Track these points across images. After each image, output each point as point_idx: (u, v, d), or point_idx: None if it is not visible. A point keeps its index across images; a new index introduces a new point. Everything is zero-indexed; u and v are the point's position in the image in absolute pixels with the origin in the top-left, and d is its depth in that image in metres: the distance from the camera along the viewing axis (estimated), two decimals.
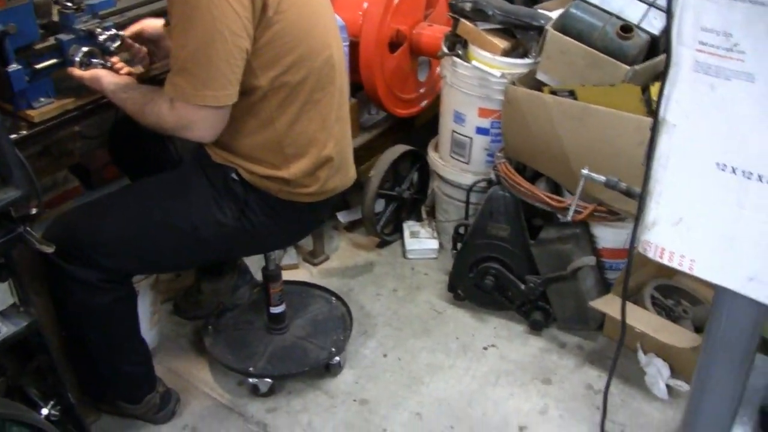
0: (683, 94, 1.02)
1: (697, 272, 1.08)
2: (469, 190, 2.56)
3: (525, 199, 2.30)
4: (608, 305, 2.23)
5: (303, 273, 2.74)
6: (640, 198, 1.10)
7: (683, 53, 1.02)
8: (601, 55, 2.19)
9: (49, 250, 1.59)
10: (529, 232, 2.39)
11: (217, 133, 1.72)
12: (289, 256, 2.79)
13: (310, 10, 1.76)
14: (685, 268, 1.09)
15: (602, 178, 1.91)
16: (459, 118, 2.60)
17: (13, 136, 1.78)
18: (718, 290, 1.11)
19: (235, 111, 1.70)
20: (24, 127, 1.83)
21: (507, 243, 2.38)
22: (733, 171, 1.01)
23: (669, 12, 1.03)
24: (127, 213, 1.85)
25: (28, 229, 1.56)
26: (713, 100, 1.00)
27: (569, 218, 2.15)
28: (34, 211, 1.57)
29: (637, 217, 1.11)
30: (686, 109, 1.02)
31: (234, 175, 1.82)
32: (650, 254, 1.11)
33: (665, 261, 1.11)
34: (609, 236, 2.32)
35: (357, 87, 2.76)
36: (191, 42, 1.59)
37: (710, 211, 1.04)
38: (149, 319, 2.29)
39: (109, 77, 1.81)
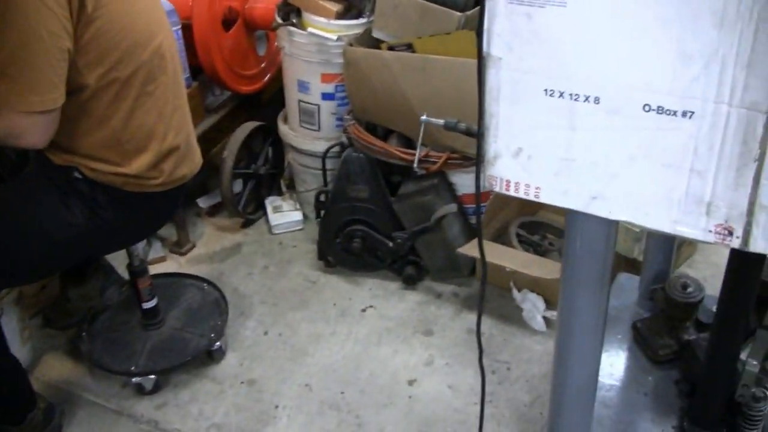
0: (503, 27, 1.04)
1: (543, 198, 1.11)
2: (324, 156, 2.56)
3: (379, 157, 2.32)
4: (476, 249, 2.28)
5: (171, 264, 2.68)
6: (478, 135, 1.12)
7: None
8: (432, 5, 2.23)
9: None
10: (390, 190, 2.41)
11: (50, 138, 1.62)
12: (155, 249, 2.72)
13: (132, 1, 1.69)
14: (531, 197, 1.12)
15: (440, 121, 1.95)
16: (303, 86, 2.58)
17: None
18: (567, 214, 1.16)
19: (66, 111, 1.62)
20: None
21: (368, 203, 2.39)
22: (561, 95, 1.04)
23: None
24: None
25: None
26: (532, 29, 1.02)
27: (416, 168, 2.18)
28: None
29: (478, 154, 1.13)
30: (508, 41, 1.04)
31: (77, 174, 1.74)
32: (497, 188, 1.14)
33: (512, 192, 1.14)
34: (467, 182, 2.38)
35: (196, 70, 2.69)
36: (7, 45, 1.49)
37: (546, 137, 1.08)
38: (19, 336, 2.18)
39: None
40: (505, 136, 1.12)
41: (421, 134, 2.04)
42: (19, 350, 2.10)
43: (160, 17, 1.82)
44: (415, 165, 2.18)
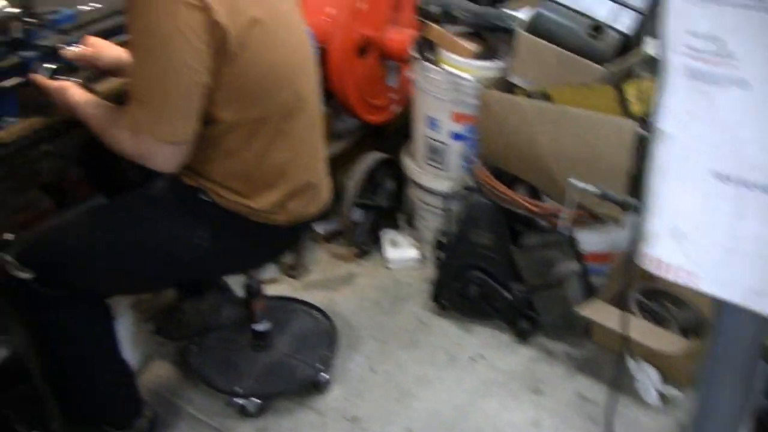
0: (678, 103, 0.98)
1: (701, 287, 1.04)
2: (448, 197, 2.52)
3: (505, 205, 2.27)
4: (595, 311, 2.20)
5: (283, 287, 2.69)
6: (636, 210, 1.06)
7: (674, 60, 0.98)
8: (573, 55, 2.17)
9: (27, 276, 1.53)
10: (511, 238, 2.36)
11: (179, 166, 1.64)
12: (269, 269, 2.74)
13: (281, 41, 1.67)
14: (686, 282, 1.05)
15: (595, 189, 1.88)
16: (433, 123, 2.56)
17: None
18: (720, 303, 1.08)
19: (201, 140, 1.63)
20: None
21: (490, 251, 2.34)
22: (732, 181, 0.98)
23: (653, 15, 0.99)
24: (99, 233, 1.77)
25: (4, 256, 1.51)
26: (709, 108, 0.96)
27: (560, 229, 2.11)
28: (9, 237, 1.51)
29: (635, 230, 1.07)
30: (681, 118, 0.99)
31: (204, 197, 1.75)
32: (650, 268, 1.08)
33: (665, 274, 1.07)
34: (592, 240, 2.29)
35: (328, 95, 2.71)
36: (147, 74, 1.52)
37: (710, 222, 1.01)
38: (132, 341, 2.23)
39: (76, 90, 1.73)
40: (666, 215, 1.05)
41: (570, 198, 1.97)
42: (130, 354, 2.13)
43: (306, 57, 1.81)
44: (561, 226, 2.11)
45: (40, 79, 1.76)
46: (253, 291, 2.14)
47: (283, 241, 1.96)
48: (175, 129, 1.55)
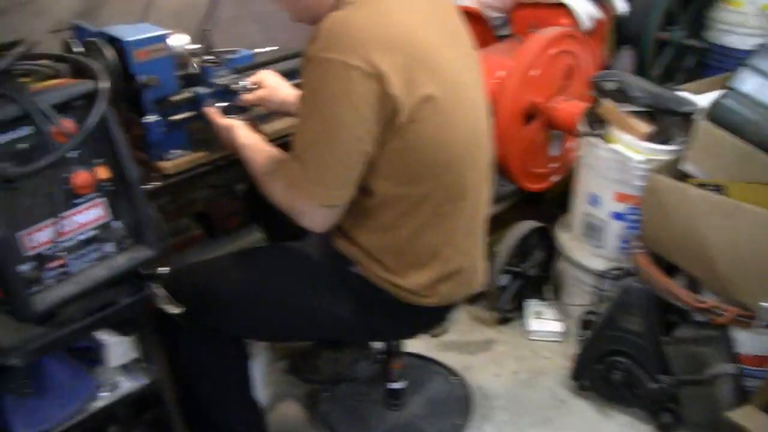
0: None
1: None
2: (602, 276, 2.46)
3: (662, 294, 2.19)
4: (747, 418, 2.06)
5: (419, 343, 2.67)
6: None
7: None
8: (757, 151, 2.07)
9: (177, 311, 1.60)
10: (663, 328, 2.26)
11: (327, 228, 1.63)
12: None
13: (456, 120, 1.60)
14: None
15: None
16: (594, 200, 2.51)
17: (146, 186, 1.81)
18: None
19: (355, 207, 1.62)
20: (157, 179, 1.87)
21: (639, 338, 2.25)
22: None
23: None
24: (247, 280, 1.80)
25: (155, 287, 1.57)
26: None
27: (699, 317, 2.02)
28: (165, 269, 1.58)
29: None
30: None
31: (354, 269, 1.74)
32: None
33: None
34: (750, 342, 2.17)
35: None
36: (310, 133, 1.51)
37: None
38: (263, 378, 2.28)
39: (242, 130, 1.79)
40: None
41: (758, 316, 1.90)
42: (260, 392, 2.17)
43: (479, 140, 1.72)
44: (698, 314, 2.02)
45: (212, 114, 1.85)
46: (393, 350, 2.15)
47: (427, 321, 1.92)
48: (330, 193, 1.54)
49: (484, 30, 3.10)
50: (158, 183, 1.85)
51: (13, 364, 1.37)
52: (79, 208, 1.43)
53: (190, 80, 1.99)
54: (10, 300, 1.35)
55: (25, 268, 1.35)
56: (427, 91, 1.51)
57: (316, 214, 1.59)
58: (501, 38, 3.14)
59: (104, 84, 1.40)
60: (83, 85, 1.41)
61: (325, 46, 1.45)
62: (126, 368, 1.68)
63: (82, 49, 1.82)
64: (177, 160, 1.89)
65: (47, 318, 1.43)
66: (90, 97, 1.40)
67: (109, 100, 1.42)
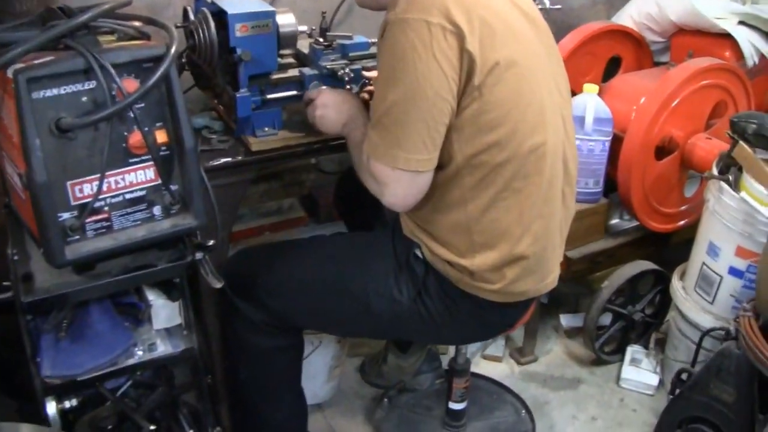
0: None
1: None
2: (705, 334, 2.24)
3: (761, 367, 1.96)
4: None
5: (504, 368, 2.58)
6: None
7: None
8: None
9: (217, 285, 1.58)
10: (759, 404, 2.03)
11: (410, 204, 1.60)
12: (496, 345, 2.65)
13: (531, 86, 1.56)
14: None
15: None
16: (713, 250, 2.29)
17: (227, 159, 1.84)
18: None
19: (429, 188, 1.59)
20: (241, 152, 1.88)
21: (729, 410, 2.04)
22: None
23: None
24: (307, 264, 1.80)
25: (204, 258, 1.57)
26: None
27: None
28: (211, 242, 1.58)
29: None
30: None
31: (417, 252, 1.70)
32: None
33: None
34: None
35: (612, 185, 2.55)
36: (390, 96, 1.49)
37: None
38: (328, 372, 2.26)
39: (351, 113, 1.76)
40: None
41: None
42: (322, 386, 2.15)
43: (560, 113, 1.67)
44: None
45: (316, 95, 1.82)
46: (457, 368, 2.06)
47: (490, 320, 1.81)
48: (409, 155, 1.51)
49: (641, 53, 2.94)
50: (240, 157, 1.85)
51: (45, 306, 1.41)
52: (132, 167, 1.44)
53: (297, 60, 2.00)
54: (44, 244, 1.38)
55: (66, 215, 1.38)
56: (502, 54, 1.50)
57: (399, 184, 1.55)
58: (658, 65, 2.96)
59: (172, 48, 1.41)
60: (154, 49, 1.41)
61: (405, 8, 1.47)
62: (169, 332, 1.69)
63: (192, 18, 1.87)
64: (265, 138, 1.89)
65: (84, 268, 1.46)
66: (159, 60, 1.41)
67: (179, 65, 1.43)
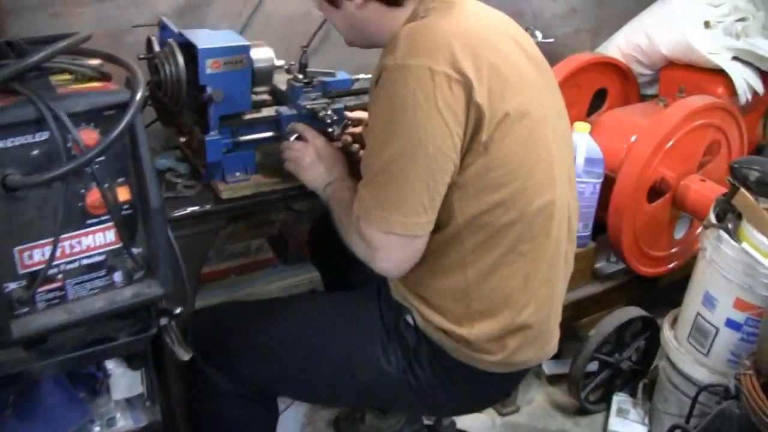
0: None
1: None
2: (701, 390, 2.12)
3: (762, 428, 1.84)
4: None
5: (484, 419, 2.43)
6: None
7: None
8: None
9: (185, 357, 1.42)
10: None
11: (404, 270, 1.43)
12: None
13: (541, 138, 1.43)
14: None
15: None
16: (709, 301, 2.17)
17: (194, 208, 1.67)
18: None
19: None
20: (210, 200, 1.70)
21: None
22: None
23: None
24: (284, 326, 1.64)
25: (170, 324, 1.40)
26: None
27: None
28: (178, 310, 1.42)
29: None
30: None
31: (408, 318, 1.54)
32: None
33: None
34: None
35: (600, 227, 2.43)
36: (386, 151, 1.33)
37: None
38: (301, 428, 2.11)
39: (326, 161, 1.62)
40: None
41: None
42: None
43: (567, 167, 1.54)
44: None
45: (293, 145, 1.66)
46: (441, 428, 1.91)
47: (486, 390, 1.67)
48: (407, 219, 1.34)
49: (627, 86, 2.84)
50: (208, 206, 1.68)
51: None
52: (90, 229, 1.27)
53: (275, 98, 1.83)
54: None
55: (13, 286, 1.21)
56: (513, 104, 1.37)
57: (392, 250, 1.39)
58: (645, 98, 2.85)
59: (137, 95, 1.23)
60: (117, 94, 1.24)
61: (406, 53, 1.32)
62: (130, 403, 1.52)
63: (158, 50, 1.70)
64: (236, 184, 1.72)
65: (34, 342, 1.28)
66: (122, 108, 1.24)
67: (140, 111, 1.26)
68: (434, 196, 1.35)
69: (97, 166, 1.23)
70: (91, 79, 1.33)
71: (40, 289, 1.24)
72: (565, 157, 1.54)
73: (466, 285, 1.46)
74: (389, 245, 1.38)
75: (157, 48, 1.72)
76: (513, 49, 1.46)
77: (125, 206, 1.29)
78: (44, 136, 1.18)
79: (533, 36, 2.26)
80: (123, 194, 1.28)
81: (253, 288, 2.44)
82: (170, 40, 1.64)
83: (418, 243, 1.39)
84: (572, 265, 1.65)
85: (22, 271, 1.21)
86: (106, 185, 1.25)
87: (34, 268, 1.22)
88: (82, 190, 1.24)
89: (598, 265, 2.55)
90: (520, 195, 1.41)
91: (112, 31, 1.96)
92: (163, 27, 1.77)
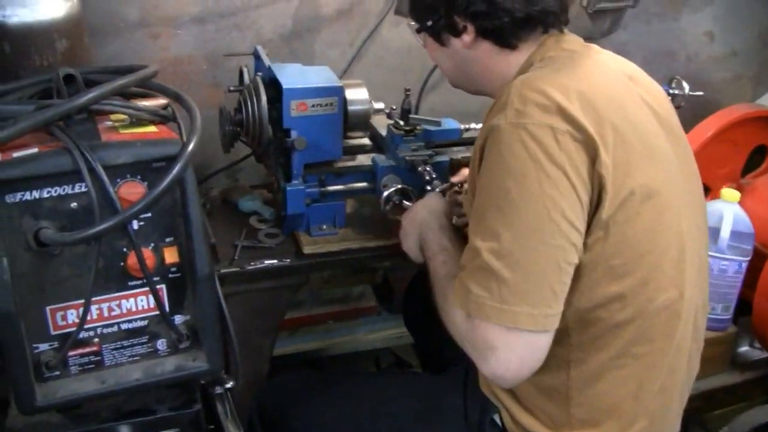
0: None
1: None
2: None
3: None
4: None
5: None
6: None
7: None
8: None
9: None
10: None
11: (526, 375, 1.17)
12: None
13: (670, 223, 1.20)
14: None
15: None
16: None
17: (272, 261, 1.52)
18: None
19: None
20: (291, 254, 1.55)
21: None
22: None
23: None
24: (357, 410, 1.45)
25: (226, 393, 1.29)
26: None
27: None
28: (229, 385, 1.28)
29: None
30: None
31: (496, 417, 1.34)
32: None
33: None
34: None
35: (745, 307, 2.10)
36: (506, 230, 1.10)
37: None
38: None
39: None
40: None
41: None
42: None
43: (695, 258, 1.28)
44: None
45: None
46: None
47: None
48: (534, 310, 1.11)
49: None
50: (288, 260, 1.53)
51: None
52: (131, 291, 1.14)
53: (373, 142, 1.67)
54: (13, 384, 1.09)
55: (44, 347, 1.10)
56: (639, 180, 1.16)
57: (513, 349, 1.14)
58: None
59: (189, 146, 1.09)
60: (167, 145, 1.10)
61: (521, 111, 1.12)
62: None
63: (247, 82, 1.57)
64: (321, 239, 1.56)
65: (68, 407, 1.17)
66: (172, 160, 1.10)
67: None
68: (565, 279, 1.13)
69: (142, 223, 1.10)
70: (150, 123, 1.20)
71: (74, 353, 1.14)
72: (698, 245, 1.29)
73: (567, 387, 1.24)
74: (510, 344, 1.14)
75: (246, 80, 1.59)
76: (643, 112, 1.24)
77: (172, 269, 1.16)
78: (84, 188, 1.06)
79: (680, 87, 1.98)
80: (170, 256, 1.15)
81: (353, 335, 2.29)
82: (258, 75, 1.51)
83: (544, 340, 1.15)
84: (697, 368, 1.39)
85: (54, 332, 1.11)
86: (152, 245, 1.13)
87: (68, 330, 1.11)
88: (124, 249, 1.11)
89: (738, 350, 2.22)
90: (641, 289, 1.18)
91: (212, 55, 1.86)
92: (257, 57, 1.64)
